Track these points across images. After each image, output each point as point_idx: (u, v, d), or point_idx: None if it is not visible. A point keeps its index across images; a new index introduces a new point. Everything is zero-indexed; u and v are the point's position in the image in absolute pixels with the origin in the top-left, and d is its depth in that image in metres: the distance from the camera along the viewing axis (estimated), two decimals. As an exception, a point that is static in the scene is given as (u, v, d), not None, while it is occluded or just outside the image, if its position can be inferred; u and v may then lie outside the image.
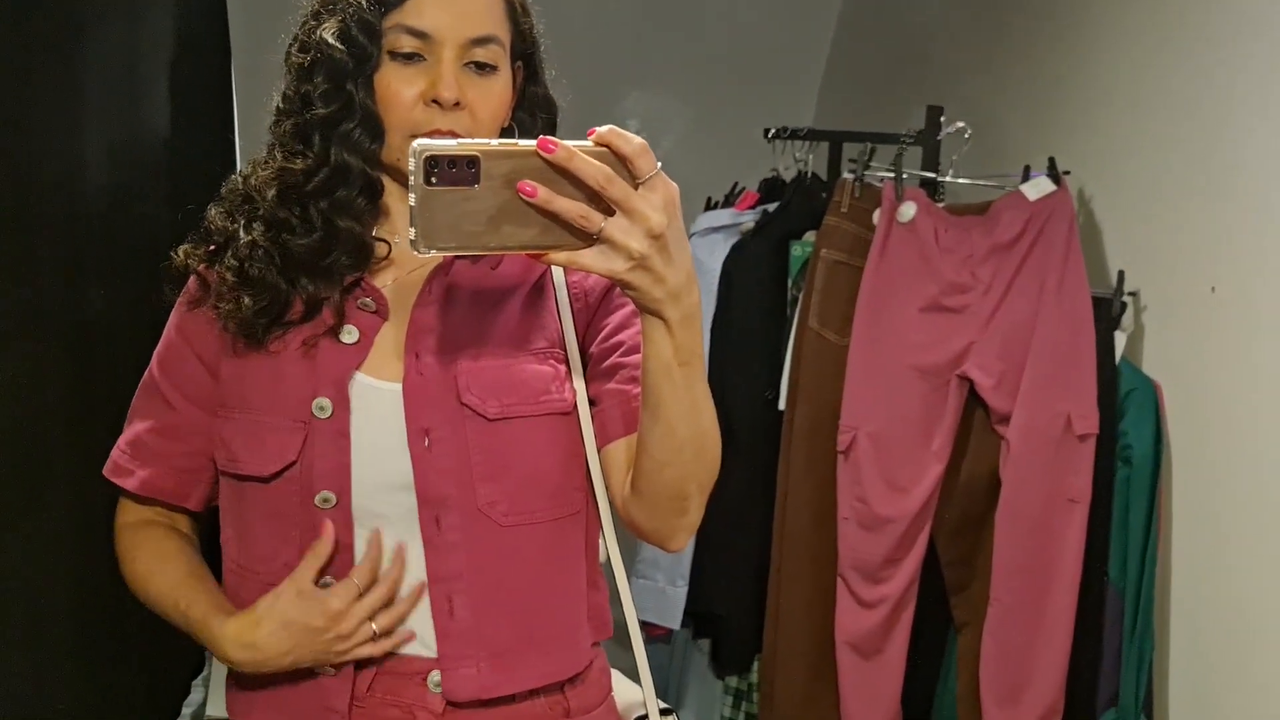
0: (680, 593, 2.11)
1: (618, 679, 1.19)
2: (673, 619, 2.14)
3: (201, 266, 1.09)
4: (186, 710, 3.26)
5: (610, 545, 1.12)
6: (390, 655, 1.04)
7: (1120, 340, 1.92)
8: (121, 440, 1.14)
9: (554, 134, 1.05)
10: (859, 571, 1.95)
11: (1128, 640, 1.87)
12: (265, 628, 1.02)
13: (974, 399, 1.95)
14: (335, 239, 1.03)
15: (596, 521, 1.12)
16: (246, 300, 1.03)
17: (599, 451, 1.08)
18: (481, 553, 1.04)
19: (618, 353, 1.08)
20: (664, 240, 0.84)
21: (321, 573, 1.03)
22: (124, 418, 1.16)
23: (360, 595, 1.02)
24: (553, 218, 0.83)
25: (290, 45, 1.06)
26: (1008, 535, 1.88)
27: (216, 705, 3.29)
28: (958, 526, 1.97)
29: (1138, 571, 1.85)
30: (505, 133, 1.08)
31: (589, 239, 0.84)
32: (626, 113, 3.34)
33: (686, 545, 1.08)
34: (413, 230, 0.82)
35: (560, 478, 1.07)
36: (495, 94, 1.04)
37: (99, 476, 1.16)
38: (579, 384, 1.08)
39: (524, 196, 0.82)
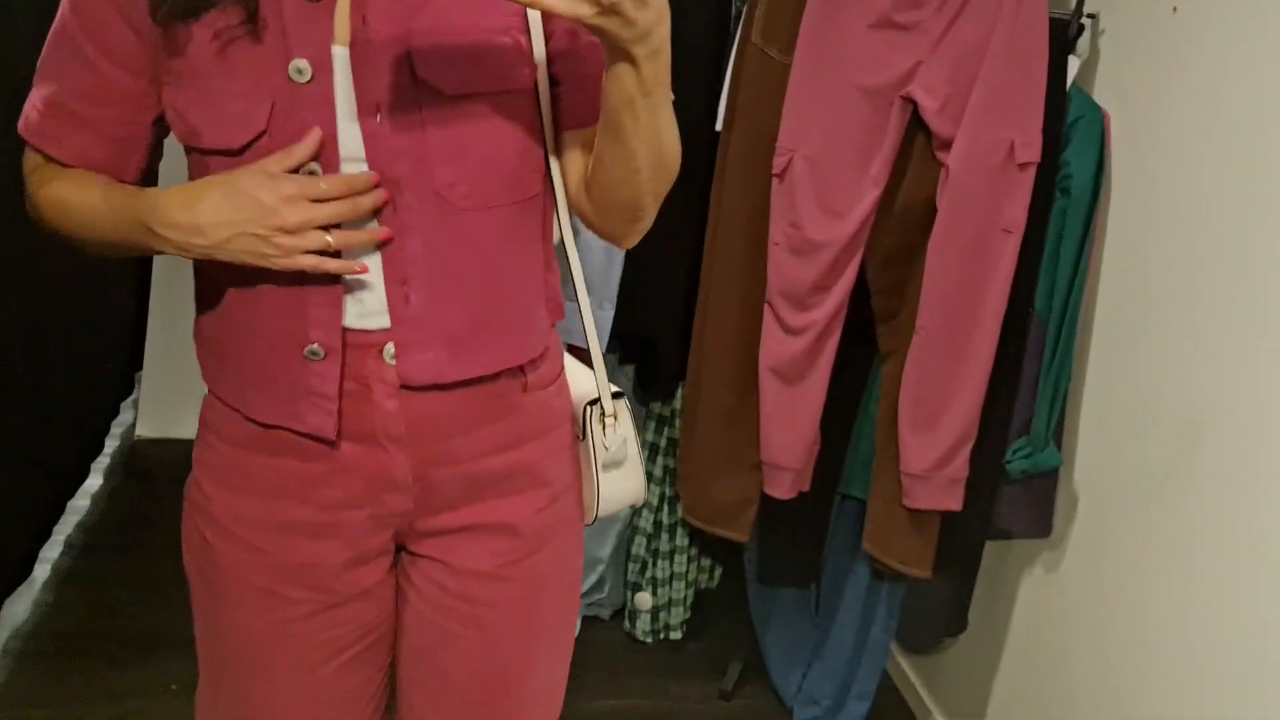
0: (607, 315, 2.08)
1: (572, 366, 1.18)
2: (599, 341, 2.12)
3: None
4: (116, 430, 3.27)
5: (564, 229, 1.07)
6: (346, 329, 0.99)
7: (1074, 65, 1.83)
8: (35, 96, 1.01)
9: None
10: (786, 298, 1.92)
11: (1045, 371, 1.88)
12: (211, 193, 0.93)
13: (917, 124, 1.87)
14: None
15: (552, 204, 1.07)
16: None
17: (559, 135, 1.03)
18: (438, 237, 0.98)
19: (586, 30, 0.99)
20: None
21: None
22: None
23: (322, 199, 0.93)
24: None
25: None
26: (939, 263, 1.85)
27: (146, 425, 3.31)
28: (890, 254, 1.94)
29: (1063, 303, 1.85)
30: None
31: None
32: None
33: (637, 242, 1.09)
34: None
35: (520, 160, 1.02)
36: None
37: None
38: (540, 59, 1.00)
39: None
